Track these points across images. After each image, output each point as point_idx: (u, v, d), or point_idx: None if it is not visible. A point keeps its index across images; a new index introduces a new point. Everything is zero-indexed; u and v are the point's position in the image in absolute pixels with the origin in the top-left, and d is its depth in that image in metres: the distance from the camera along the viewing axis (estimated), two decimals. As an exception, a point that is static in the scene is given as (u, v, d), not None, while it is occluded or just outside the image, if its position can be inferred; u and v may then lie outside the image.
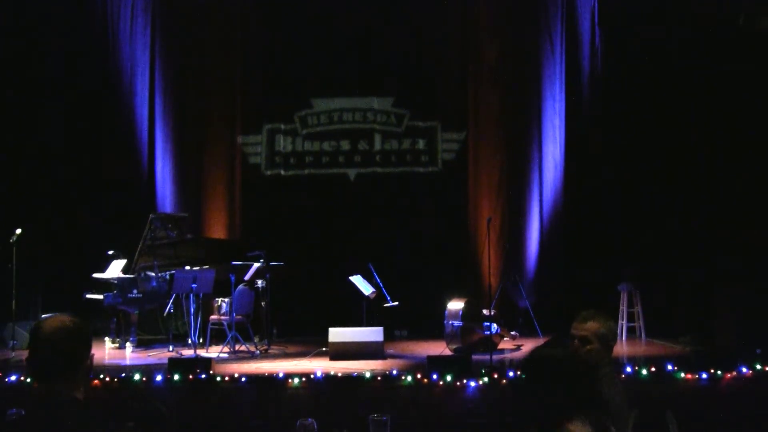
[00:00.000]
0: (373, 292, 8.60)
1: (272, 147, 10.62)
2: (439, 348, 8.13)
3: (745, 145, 9.09)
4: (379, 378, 6.55)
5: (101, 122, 10.18)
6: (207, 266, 8.63)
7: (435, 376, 6.41)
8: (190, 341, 8.44)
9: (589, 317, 3.21)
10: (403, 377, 6.50)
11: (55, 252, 9.43)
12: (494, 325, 8.15)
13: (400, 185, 10.53)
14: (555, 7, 10.33)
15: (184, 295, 8.57)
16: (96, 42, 10.22)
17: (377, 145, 10.60)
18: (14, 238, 7.95)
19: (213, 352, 8.32)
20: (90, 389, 2.59)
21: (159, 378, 6.55)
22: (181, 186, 10.45)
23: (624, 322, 9.14)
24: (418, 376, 6.47)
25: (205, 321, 8.73)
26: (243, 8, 10.55)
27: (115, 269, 8.79)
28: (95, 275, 8.77)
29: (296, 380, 6.44)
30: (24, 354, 8.11)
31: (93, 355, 2.53)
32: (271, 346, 8.72)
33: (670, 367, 6.57)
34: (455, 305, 8.17)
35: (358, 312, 8.54)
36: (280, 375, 6.57)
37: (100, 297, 8.44)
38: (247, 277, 8.81)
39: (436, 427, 6.07)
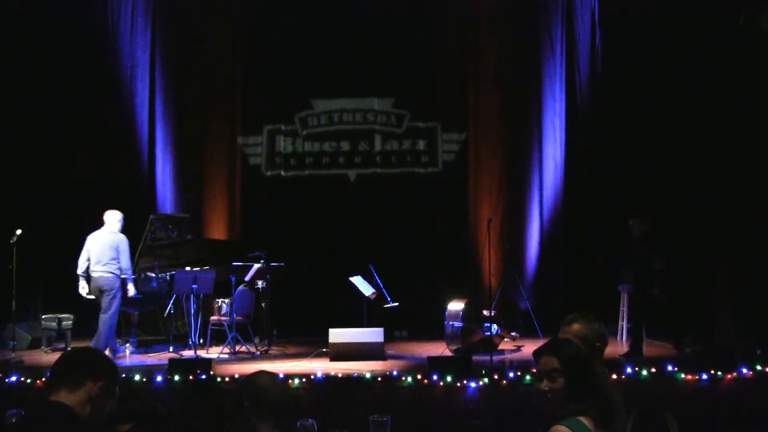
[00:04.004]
0: (373, 293, 8.60)
1: (272, 148, 10.62)
2: (440, 349, 8.13)
3: (746, 144, 9.07)
4: (379, 379, 6.56)
5: (101, 122, 10.17)
6: (207, 267, 8.62)
7: (435, 377, 6.42)
8: (190, 342, 8.44)
9: (573, 320, 3.23)
10: (404, 378, 6.51)
11: (55, 252, 9.42)
12: (494, 326, 8.15)
13: (401, 186, 10.52)
14: (555, 7, 10.33)
15: (184, 295, 8.57)
16: (96, 42, 10.21)
17: (377, 146, 10.60)
18: (14, 238, 7.94)
19: (213, 352, 8.33)
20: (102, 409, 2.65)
21: (159, 379, 6.56)
22: (181, 186, 10.45)
23: (624, 322, 9.10)
24: (419, 376, 6.48)
25: (206, 322, 8.73)
26: (243, 8, 10.55)
27: (116, 270, 8.77)
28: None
29: (296, 381, 6.44)
30: (24, 354, 8.18)
31: (101, 384, 2.59)
32: (272, 347, 8.73)
33: (670, 368, 6.58)
34: (455, 306, 8.17)
35: (358, 313, 8.55)
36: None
37: (101, 297, 8.41)
38: (247, 278, 8.81)
39: (437, 428, 6.06)
